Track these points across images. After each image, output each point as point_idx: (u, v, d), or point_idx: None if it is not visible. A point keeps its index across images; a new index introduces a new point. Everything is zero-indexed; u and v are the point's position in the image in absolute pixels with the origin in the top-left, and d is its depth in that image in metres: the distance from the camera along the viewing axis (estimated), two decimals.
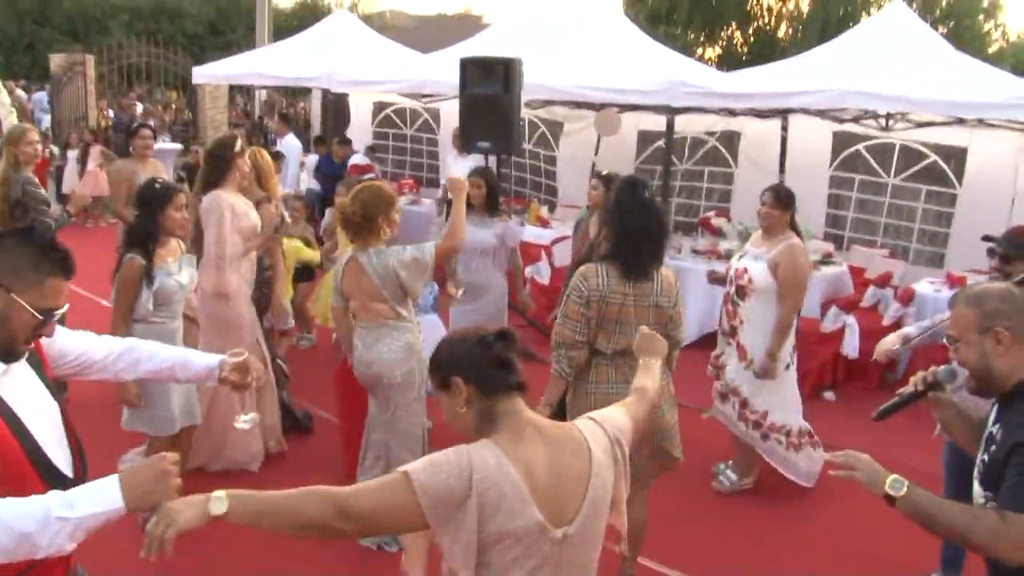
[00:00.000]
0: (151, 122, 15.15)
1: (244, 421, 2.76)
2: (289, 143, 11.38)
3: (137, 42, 16.64)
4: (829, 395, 6.79)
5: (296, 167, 10.82)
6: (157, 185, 4.36)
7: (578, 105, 10.97)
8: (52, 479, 2.09)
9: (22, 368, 2.21)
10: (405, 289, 4.24)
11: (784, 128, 9.83)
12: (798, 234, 5.02)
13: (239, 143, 5.03)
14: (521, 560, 2.00)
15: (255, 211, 5.07)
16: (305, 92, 15.23)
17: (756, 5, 25.77)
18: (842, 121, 8.96)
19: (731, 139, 10.59)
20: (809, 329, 6.71)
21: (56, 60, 15.45)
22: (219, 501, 1.86)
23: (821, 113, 8.81)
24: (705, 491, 5.26)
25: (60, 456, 2.17)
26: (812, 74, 7.88)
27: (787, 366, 5.05)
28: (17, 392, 2.14)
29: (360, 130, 13.38)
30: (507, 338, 2.12)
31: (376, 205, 4.23)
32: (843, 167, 9.54)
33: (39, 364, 2.29)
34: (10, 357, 2.14)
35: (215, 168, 4.96)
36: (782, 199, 4.98)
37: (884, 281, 7.51)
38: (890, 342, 4.09)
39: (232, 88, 17.14)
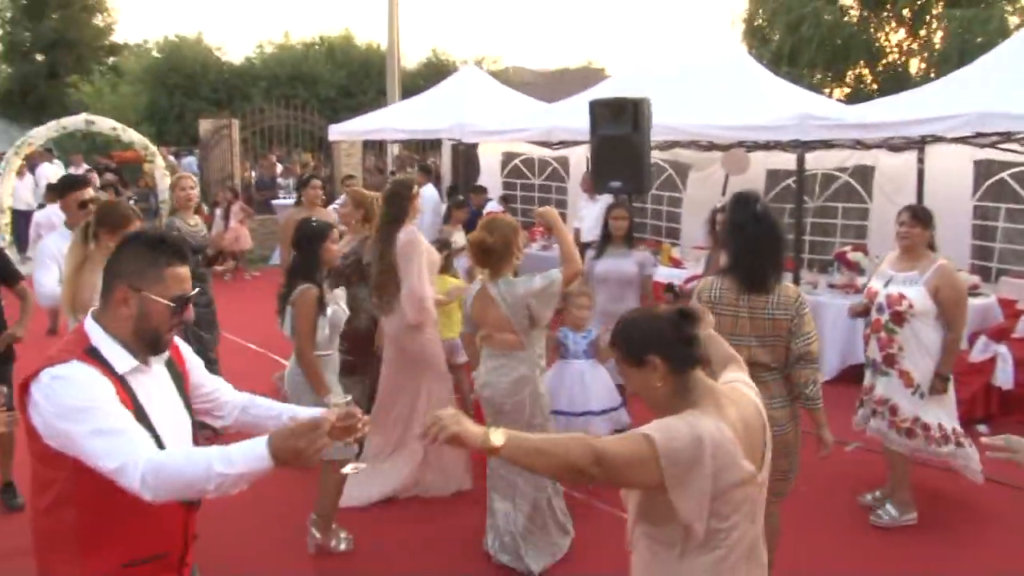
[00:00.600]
0: (290, 180, 15.98)
1: (351, 468, 2.79)
2: (427, 193, 11.74)
3: (276, 106, 17.56)
4: (983, 428, 6.50)
5: (431, 215, 11.14)
6: (314, 222, 4.66)
7: (706, 148, 11.00)
8: None
9: (163, 377, 2.46)
10: (534, 318, 4.38)
11: (920, 160, 9.58)
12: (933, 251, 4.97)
13: (416, 187, 5.43)
14: (739, 505, 2.28)
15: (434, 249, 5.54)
16: (436, 146, 15.74)
17: (884, 40, 25.19)
18: (982, 146, 8.63)
19: (865, 174, 10.36)
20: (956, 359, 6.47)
21: (204, 125, 16.52)
22: (497, 434, 2.07)
23: (960, 140, 8.54)
24: (855, 526, 5.10)
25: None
26: (947, 101, 7.65)
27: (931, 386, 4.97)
28: (152, 394, 2.38)
29: (489, 181, 13.70)
30: (692, 317, 2.38)
31: (510, 234, 4.42)
32: (987, 196, 9.19)
33: (180, 378, 2.54)
34: (157, 348, 2.41)
35: (396, 206, 5.33)
36: (921, 217, 4.94)
37: None
38: None
39: (365, 146, 17.86)
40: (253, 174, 17.61)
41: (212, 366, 6.03)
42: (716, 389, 2.37)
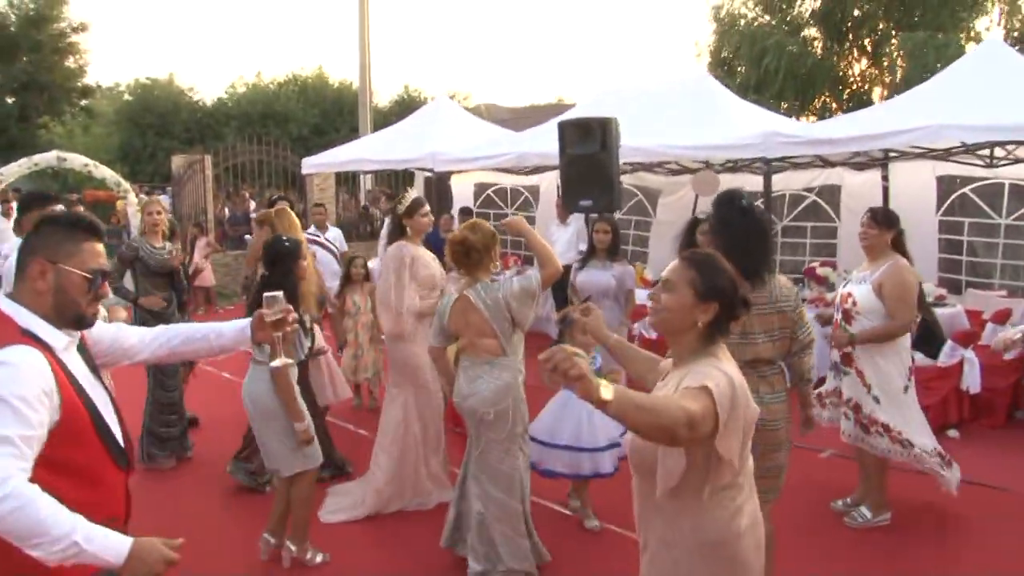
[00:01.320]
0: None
1: (277, 363, 3.12)
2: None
3: (248, 144, 17.61)
4: (953, 433, 6.58)
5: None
6: (285, 240, 4.71)
7: (676, 172, 11.15)
8: (111, 444, 2.41)
9: (75, 354, 2.47)
10: (515, 320, 4.38)
11: (885, 177, 9.79)
12: (905, 256, 4.98)
13: (427, 206, 5.58)
14: (747, 441, 2.50)
15: (438, 264, 5.52)
16: (409, 178, 15.82)
17: (847, 69, 25.67)
18: (943, 159, 8.82)
19: (832, 193, 10.56)
20: (925, 366, 6.58)
21: (177, 161, 16.52)
22: (607, 389, 2.13)
23: (922, 155, 8.74)
24: (826, 529, 5.14)
25: (112, 420, 2.45)
26: (908, 114, 7.83)
27: (904, 388, 4.97)
28: (79, 371, 2.41)
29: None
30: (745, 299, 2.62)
31: (491, 236, 4.48)
32: (951, 212, 9.39)
33: (85, 350, 2.56)
34: (83, 323, 2.44)
35: (394, 225, 5.57)
36: (879, 219, 5.00)
37: (1003, 318, 7.30)
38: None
39: (338, 182, 17.92)
40: (226, 210, 17.60)
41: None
42: (724, 347, 2.60)
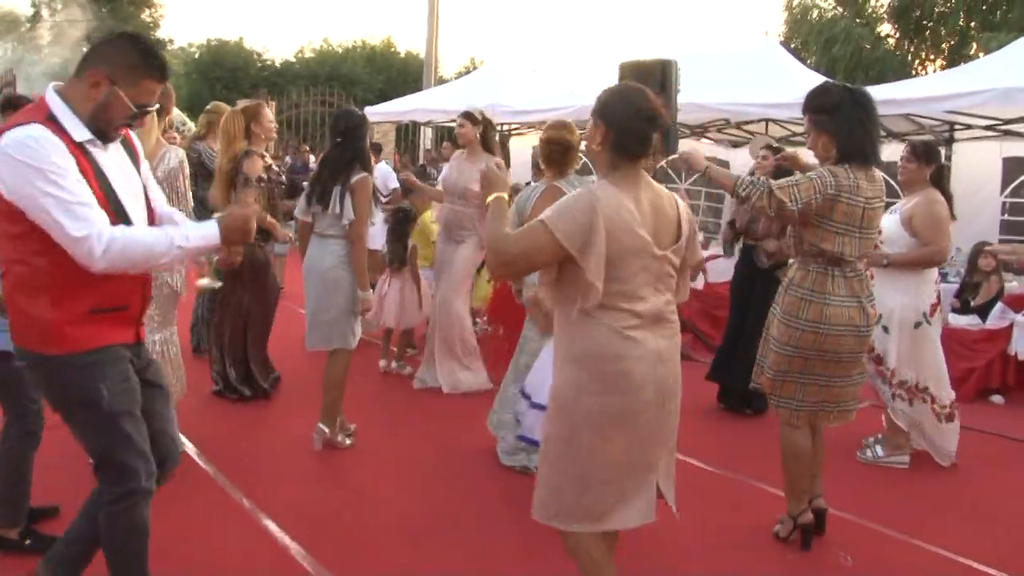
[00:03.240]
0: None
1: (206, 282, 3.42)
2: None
3: (310, 97, 17.83)
4: (997, 399, 6.47)
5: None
6: (355, 111, 5.22)
7: (735, 145, 11.07)
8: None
9: (119, 152, 2.66)
10: None
11: (948, 157, 9.60)
12: (944, 193, 4.88)
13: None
14: (637, 271, 2.59)
15: None
16: None
17: (920, 69, 25.15)
18: (1009, 136, 8.63)
19: (895, 172, 10.38)
20: (972, 328, 6.49)
21: (241, 103, 16.78)
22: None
23: (989, 127, 8.57)
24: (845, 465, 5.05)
25: (138, 215, 2.64)
26: (972, 80, 7.67)
27: (917, 324, 4.86)
28: (110, 167, 2.58)
29: (522, 174, 13.79)
30: (658, 120, 2.62)
31: (575, 135, 4.60)
32: (1017, 193, 9.21)
33: (133, 155, 2.76)
34: (104, 138, 2.56)
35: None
36: (918, 152, 4.91)
37: None
38: None
39: (397, 143, 18.08)
40: (287, 159, 17.85)
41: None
42: (644, 177, 2.68)
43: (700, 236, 10.07)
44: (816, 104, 3.73)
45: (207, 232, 2.59)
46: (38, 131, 2.38)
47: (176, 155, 4.39)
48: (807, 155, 4.35)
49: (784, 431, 3.88)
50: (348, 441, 4.91)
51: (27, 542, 3.44)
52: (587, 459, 2.65)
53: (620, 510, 2.68)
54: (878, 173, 3.70)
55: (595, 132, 2.65)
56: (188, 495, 3.98)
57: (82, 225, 2.34)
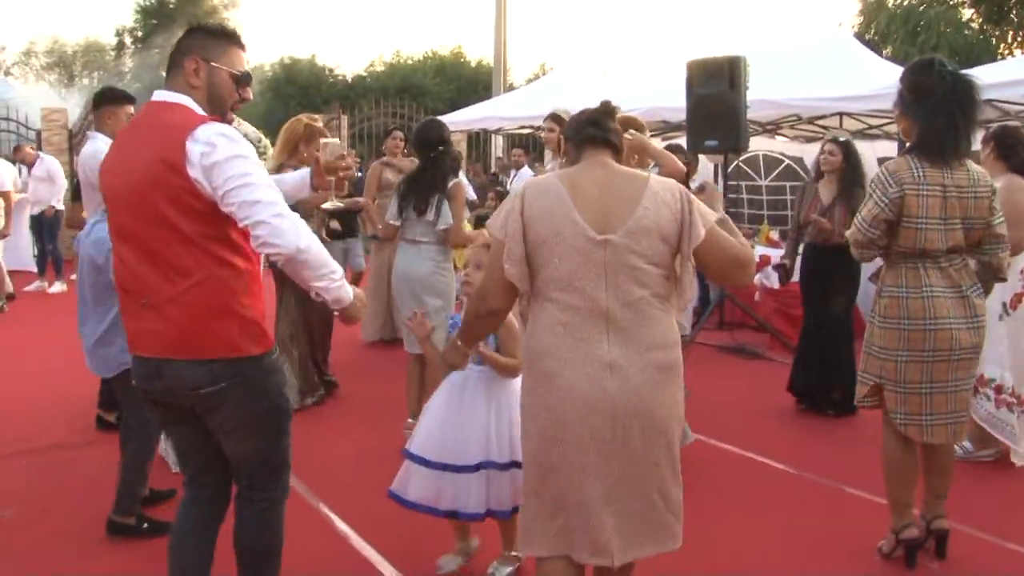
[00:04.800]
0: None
1: (328, 205, 3.52)
2: (524, 174, 11.90)
3: (382, 113, 18.06)
4: None
5: None
6: (434, 121, 5.34)
7: (808, 140, 10.86)
8: None
9: None
10: None
11: None
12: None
13: None
14: (568, 256, 2.41)
15: None
16: (538, 145, 15.91)
17: (1006, 53, 24.32)
18: None
19: (978, 161, 10.09)
20: None
21: (308, 115, 17.14)
22: None
23: None
24: None
25: None
26: None
27: (999, 316, 4.69)
28: None
29: None
30: (598, 118, 2.64)
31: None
32: None
33: None
34: (225, 118, 2.61)
35: None
36: (992, 137, 4.74)
37: None
38: None
39: (468, 152, 18.20)
40: (359, 173, 18.16)
41: None
42: (603, 163, 2.55)
43: (774, 232, 10.10)
44: (910, 82, 3.42)
45: (348, 292, 2.55)
46: (228, 128, 2.45)
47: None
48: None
49: (888, 446, 3.61)
50: None
51: (144, 526, 3.79)
52: (527, 467, 2.56)
53: (572, 536, 2.44)
54: (968, 163, 3.43)
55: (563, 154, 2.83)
56: None
57: (289, 213, 2.41)
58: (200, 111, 2.52)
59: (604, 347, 2.39)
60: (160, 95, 2.57)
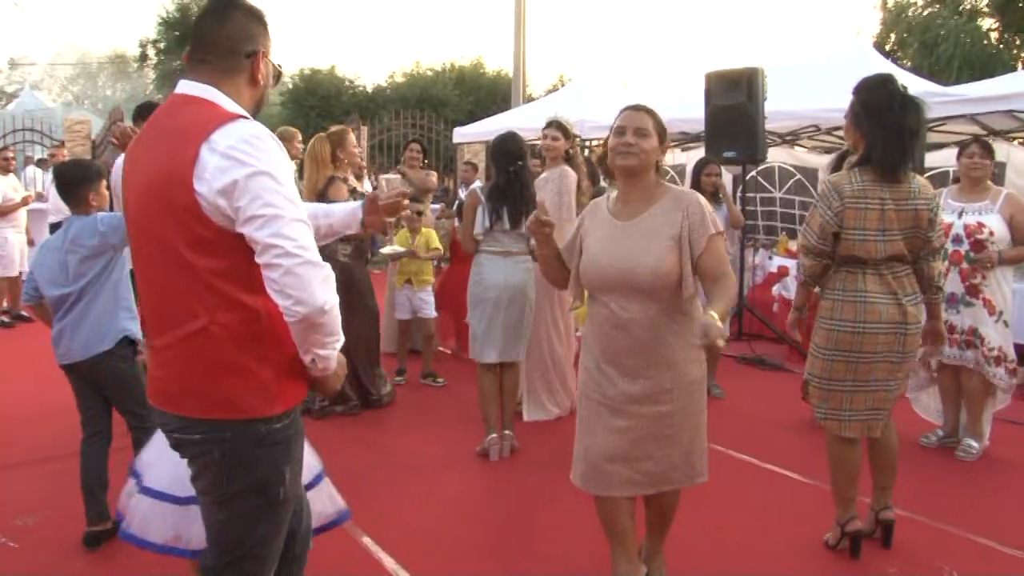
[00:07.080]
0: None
1: (387, 251, 3.41)
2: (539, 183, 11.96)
3: (402, 124, 18.18)
4: None
5: None
6: (510, 137, 5.41)
7: (827, 151, 10.81)
8: None
9: None
10: None
11: None
12: None
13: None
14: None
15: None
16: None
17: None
18: None
19: (998, 170, 10.03)
20: None
21: (333, 127, 17.24)
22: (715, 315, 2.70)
23: None
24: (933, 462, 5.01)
25: None
26: None
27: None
28: None
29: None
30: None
31: None
32: None
33: None
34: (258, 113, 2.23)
35: None
36: (990, 150, 5.07)
37: None
38: None
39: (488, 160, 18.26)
40: (376, 180, 18.24)
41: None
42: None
43: (792, 244, 10.07)
44: (864, 98, 3.60)
45: (335, 357, 2.15)
46: (258, 128, 2.02)
47: None
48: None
49: (830, 443, 3.81)
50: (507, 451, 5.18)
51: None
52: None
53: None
54: (915, 177, 3.59)
55: (663, 149, 3.14)
56: None
57: (312, 246, 2.00)
58: (230, 106, 2.07)
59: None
60: (185, 87, 2.12)
